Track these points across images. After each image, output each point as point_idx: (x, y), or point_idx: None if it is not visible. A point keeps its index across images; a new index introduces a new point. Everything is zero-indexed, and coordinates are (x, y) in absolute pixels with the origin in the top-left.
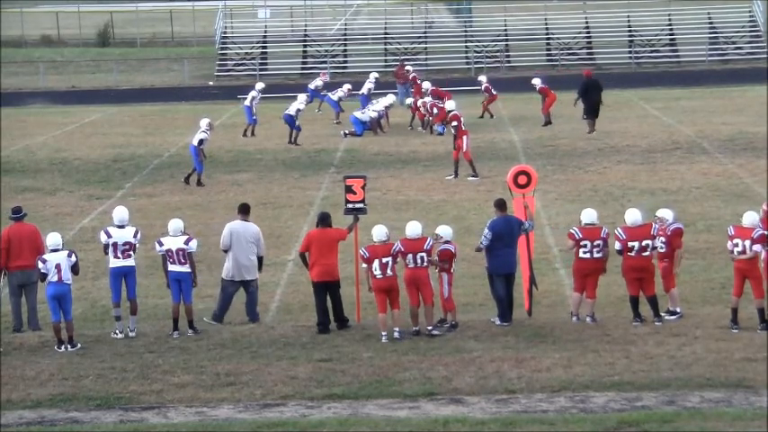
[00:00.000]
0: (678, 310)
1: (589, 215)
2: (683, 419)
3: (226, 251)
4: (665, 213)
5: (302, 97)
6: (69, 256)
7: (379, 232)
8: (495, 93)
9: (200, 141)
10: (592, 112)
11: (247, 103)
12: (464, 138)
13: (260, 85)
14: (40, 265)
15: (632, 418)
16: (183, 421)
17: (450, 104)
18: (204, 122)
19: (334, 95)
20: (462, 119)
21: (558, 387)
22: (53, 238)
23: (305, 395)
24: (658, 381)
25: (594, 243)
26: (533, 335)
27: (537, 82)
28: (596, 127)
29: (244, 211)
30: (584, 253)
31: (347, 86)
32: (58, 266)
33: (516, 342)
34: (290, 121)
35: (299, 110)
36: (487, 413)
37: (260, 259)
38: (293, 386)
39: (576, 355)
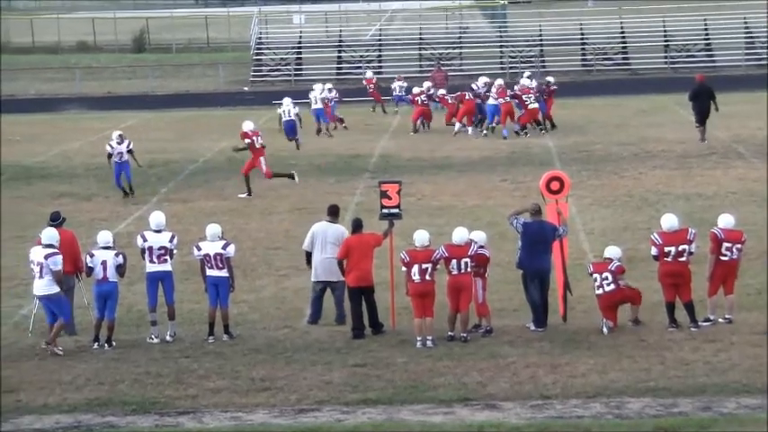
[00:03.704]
0: (712, 317)
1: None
2: (720, 425)
3: (308, 253)
4: (721, 218)
5: (317, 90)
6: (117, 255)
7: (421, 237)
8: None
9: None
10: (701, 118)
11: (317, 105)
12: (260, 159)
13: (319, 86)
14: (88, 259)
15: (668, 423)
16: (218, 426)
17: (246, 125)
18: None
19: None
20: (256, 138)
21: (593, 393)
22: (103, 236)
23: (340, 400)
24: (694, 386)
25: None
26: (568, 340)
27: (550, 80)
28: (633, 132)
29: (331, 212)
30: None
31: (328, 86)
32: (103, 263)
33: (551, 348)
34: (320, 113)
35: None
36: (522, 419)
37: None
38: (328, 391)
39: (612, 360)
